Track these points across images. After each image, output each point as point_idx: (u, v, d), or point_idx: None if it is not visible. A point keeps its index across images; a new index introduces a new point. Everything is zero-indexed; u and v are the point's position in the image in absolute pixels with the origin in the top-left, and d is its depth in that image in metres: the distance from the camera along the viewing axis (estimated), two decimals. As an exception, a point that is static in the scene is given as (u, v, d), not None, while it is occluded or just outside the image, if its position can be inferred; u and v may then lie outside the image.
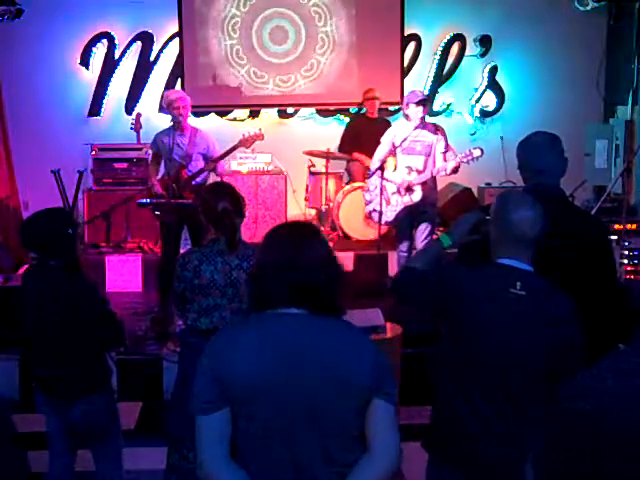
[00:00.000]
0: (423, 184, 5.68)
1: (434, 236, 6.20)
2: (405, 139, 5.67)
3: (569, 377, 2.37)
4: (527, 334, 2.33)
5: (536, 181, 2.89)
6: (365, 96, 7.43)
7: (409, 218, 5.87)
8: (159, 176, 5.97)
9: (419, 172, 5.67)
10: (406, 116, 5.73)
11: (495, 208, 2.47)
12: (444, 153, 5.67)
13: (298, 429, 1.90)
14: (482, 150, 5.51)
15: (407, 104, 5.69)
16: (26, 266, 6.40)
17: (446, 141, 5.71)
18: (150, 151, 6.19)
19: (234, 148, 5.96)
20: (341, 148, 7.56)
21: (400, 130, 5.78)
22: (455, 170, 5.61)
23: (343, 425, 1.93)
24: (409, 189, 5.72)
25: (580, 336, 2.35)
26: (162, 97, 5.97)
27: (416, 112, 5.62)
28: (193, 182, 5.70)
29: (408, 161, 5.71)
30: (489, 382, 2.36)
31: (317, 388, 1.89)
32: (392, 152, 5.79)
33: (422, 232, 5.84)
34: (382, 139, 5.87)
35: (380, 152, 5.84)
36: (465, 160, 5.52)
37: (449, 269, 2.60)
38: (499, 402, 2.36)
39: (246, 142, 6.05)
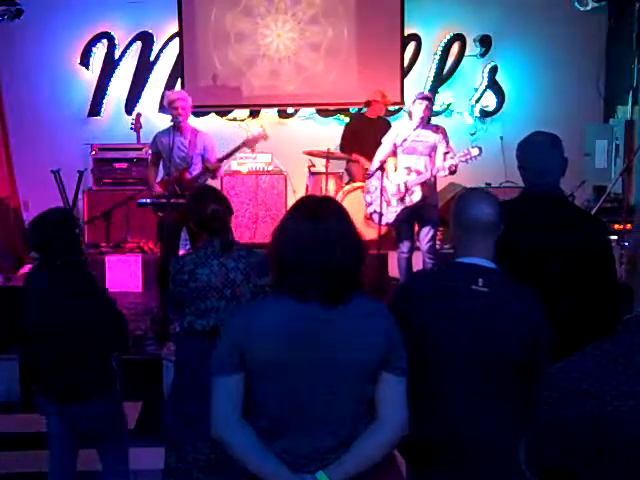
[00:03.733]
0: (422, 184, 5.67)
1: (439, 234, 6.21)
2: (406, 139, 5.67)
3: (539, 374, 2.38)
4: (492, 330, 2.32)
5: (536, 181, 2.89)
6: (383, 100, 7.33)
7: (410, 218, 5.87)
8: (158, 178, 5.98)
9: (419, 173, 5.66)
10: (409, 114, 5.73)
11: (452, 208, 2.48)
12: (445, 154, 5.67)
13: (311, 400, 1.98)
14: (480, 149, 5.49)
15: (413, 101, 5.70)
16: (27, 266, 6.41)
17: (447, 142, 5.71)
18: (150, 151, 6.19)
19: (237, 149, 5.96)
20: (341, 148, 7.56)
21: (402, 130, 5.78)
22: (453, 170, 5.59)
23: (354, 396, 2.01)
24: (407, 190, 5.71)
25: (546, 330, 2.34)
26: (163, 97, 5.98)
27: (419, 108, 5.60)
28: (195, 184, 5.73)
29: (409, 161, 5.71)
30: (457, 384, 2.35)
31: (331, 364, 1.97)
32: (393, 152, 5.79)
33: (426, 234, 5.84)
34: (384, 139, 5.87)
35: (381, 152, 5.83)
36: (463, 159, 5.50)
37: (395, 304, 2.52)
38: (473, 405, 2.34)
39: (250, 142, 6.05)
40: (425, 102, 5.62)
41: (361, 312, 2.03)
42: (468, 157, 5.48)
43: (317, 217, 2.00)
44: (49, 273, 3.16)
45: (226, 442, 2.02)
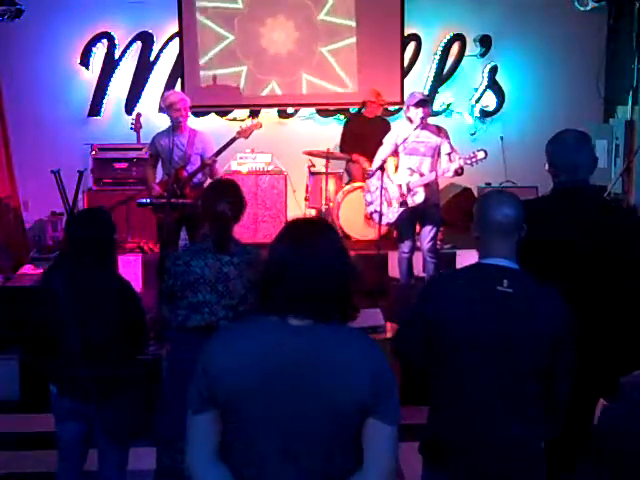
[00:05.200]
0: (425, 185, 5.67)
1: (440, 234, 6.20)
2: (405, 140, 5.67)
3: (565, 375, 2.38)
4: (516, 331, 2.32)
5: (568, 179, 2.88)
6: (378, 99, 7.34)
7: (411, 218, 5.86)
8: (157, 180, 5.98)
9: (421, 174, 5.66)
10: (408, 119, 5.73)
11: (476, 209, 2.49)
12: (449, 155, 5.66)
13: (284, 440, 1.87)
14: (486, 152, 5.51)
15: (407, 107, 5.70)
16: (27, 266, 6.40)
17: (450, 143, 5.70)
18: (148, 152, 6.18)
19: (232, 141, 5.95)
20: (341, 148, 7.56)
21: (402, 131, 5.77)
22: (459, 172, 5.60)
23: (333, 441, 1.87)
24: (409, 191, 5.70)
25: (570, 331, 2.35)
26: (162, 98, 5.97)
27: (416, 114, 5.62)
28: (191, 182, 5.73)
29: (410, 162, 5.70)
30: (482, 384, 2.36)
31: (306, 402, 1.85)
32: (394, 152, 5.78)
33: (427, 233, 5.83)
34: (385, 139, 5.86)
35: (382, 152, 5.83)
36: (469, 162, 5.52)
37: (417, 305, 2.55)
38: (495, 404, 2.35)
39: (244, 132, 6.04)
40: (420, 108, 5.61)
41: (346, 353, 1.88)
42: (474, 160, 5.49)
43: (303, 240, 1.90)
44: (77, 272, 3.16)
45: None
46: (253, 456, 1.90)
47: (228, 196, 3.30)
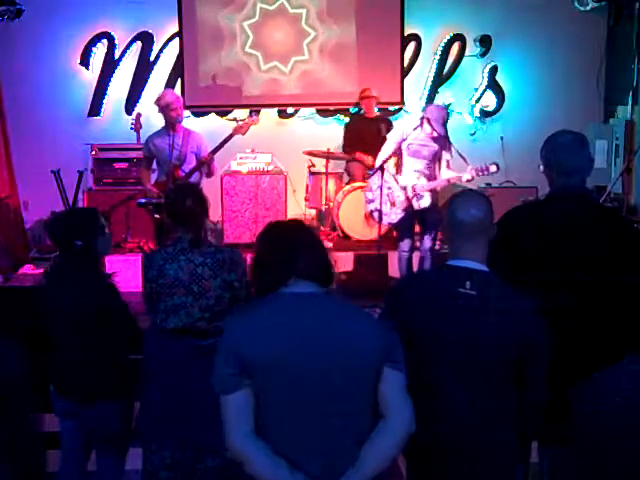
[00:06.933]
0: (431, 190, 5.66)
1: (439, 235, 6.19)
2: (409, 139, 5.61)
3: (536, 373, 2.36)
4: (478, 333, 2.31)
5: (565, 182, 2.85)
6: (361, 95, 7.42)
7: (411, 218, 5.85)
8: (152, 181, 5.95)
9: (429, 178, 5.63)
10: (421, 124, 5.62)
11: (446, 210, 2.48)
12: (448, 161, 5.64)
13: (315, 400, 2.00)
14: (498, 167, 5.52)
15: (427, 119, 5.49)
16: (26, 266, 6.41)
17: (450, 149, 5.66)
18: (142, 154, 6.16)
19: (229, 137, 5.93)
20: (344, 149, 7.56)
21: (407, 130, 5.66)
22: (469, 180, 5.58)
23: (357, 394, 2.03)
24: (415, 195, 5.67)
25: (540, 331, 2.32)
26: (157, 98, 5.92)
27: (431, 128, 5.50)
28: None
29: (414, 164, 5.66)
30: (448, 384, 2.35)
31: (329, 360, 2.00)
32: (398, 151, 5.72)
33: (427, 235, 5.82)
34: (389, 136, 5.81)
35: (386, 150, 5.77)
36: (480, 174, 5.53)
37: (387, 301, 2.57)
38: (462, 406, 2.34)
39: (240, 129, 6.02)
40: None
41: (352, 315, 2.11)
42: (485, 173, 5.52)
43: (287, 236, 2.17)
44: (65, 273, 3.16)
45: (239, 457, 2.02)
46: (285, 423, 2.01)
47: (192, 194, 3.32)
